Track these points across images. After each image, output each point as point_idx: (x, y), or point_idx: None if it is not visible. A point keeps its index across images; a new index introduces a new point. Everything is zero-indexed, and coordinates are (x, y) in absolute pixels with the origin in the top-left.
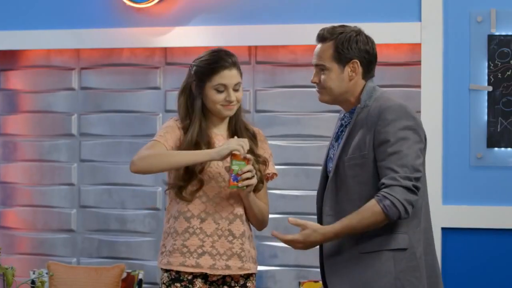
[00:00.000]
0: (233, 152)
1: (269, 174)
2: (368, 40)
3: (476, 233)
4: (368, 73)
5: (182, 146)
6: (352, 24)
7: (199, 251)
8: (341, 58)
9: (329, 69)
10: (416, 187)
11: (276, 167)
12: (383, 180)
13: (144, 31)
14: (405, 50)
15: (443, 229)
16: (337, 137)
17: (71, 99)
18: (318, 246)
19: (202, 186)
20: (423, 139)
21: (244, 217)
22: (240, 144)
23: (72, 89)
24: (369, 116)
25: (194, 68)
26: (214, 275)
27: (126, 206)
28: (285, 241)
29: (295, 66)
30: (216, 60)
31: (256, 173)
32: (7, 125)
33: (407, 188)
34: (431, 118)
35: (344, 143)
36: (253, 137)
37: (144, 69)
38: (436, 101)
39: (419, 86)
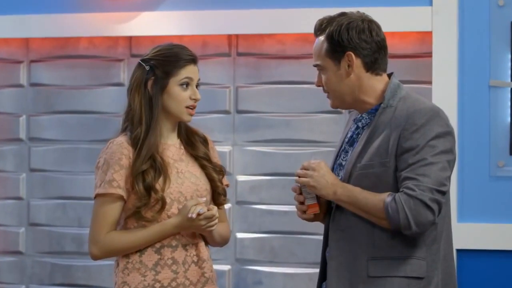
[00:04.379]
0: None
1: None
2: (367, 25)
3: (497, 256)
4: (373, 64)
5: (136, 162)
6: (351, 9)
7: (173, 284)
8: (334, 52)
9: (325, 67)
10: (436, 201)
11: (262, 177)
12: (400, 189)
13: (105, 17)
14: (413, 39)
15: (458, 251)
16: (352, 141)
17: (18, 98)
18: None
19: (165, 206)
20: (454, 151)
21: (203, 238)
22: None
23: (20, 85)
24: (394, 119)
25: (153, 62)
26: None
27: (84, 224)
28: (305, 166)
29: (283, 59)
30: (181, 53)
31: (217, 185)
32: None
33: (422, 202)
34: None
35: (361, 148)
36: (204, 143)
37: (105, 62)
38: (450, 100)
39: (429, 82)
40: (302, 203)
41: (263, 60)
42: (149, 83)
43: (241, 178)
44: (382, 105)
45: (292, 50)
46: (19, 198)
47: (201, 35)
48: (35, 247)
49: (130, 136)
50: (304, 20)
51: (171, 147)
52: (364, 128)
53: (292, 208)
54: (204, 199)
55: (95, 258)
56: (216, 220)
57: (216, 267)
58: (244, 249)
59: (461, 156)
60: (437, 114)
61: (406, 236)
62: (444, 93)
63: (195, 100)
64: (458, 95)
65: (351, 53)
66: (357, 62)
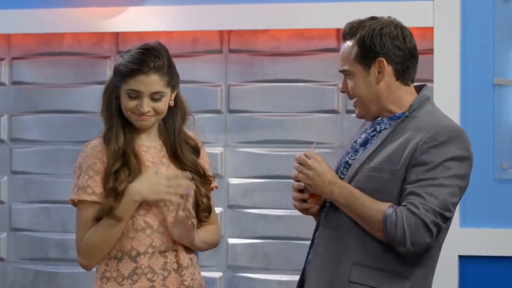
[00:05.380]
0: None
1: (211, 188)
2: (400, 32)
3: (501, 262)
4: (403, 72)
5: (109, 162)
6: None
7: None
8: (365, 57)
9: (353, 73)
10: (437, 225)
11: (255, 180)
12: (403, 202)
13: (90, 12)
14: (414, 35)
15: (460, 257)
16: (365, 142)
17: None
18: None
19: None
20: (468, 178)
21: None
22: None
23: (1, 84)
24: (415, 129)
25: (118, 63)
26: None
27: (68, 229)
28: (301, 162)
29: (277, 56)
30: (136, 61)
31: (202, 200)
32: None
33: (423, 222)
34: None
35: (374, 150)
36: (195, 152)
37: (90, 59)
38: (452, 99)
39: (431, 80)
40: (301, 191)
41: (256, 57)
42: (113, 83)
43: (233, 181)
44: (406, 113)
45: (286, 46)
46: (0, 202)
47: (191, 31)
48: (17, 253)
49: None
50: (299, 15)
51: (151, 149)
52: (382, 131)
53: (287, 212)
54: (190, 190)
55: (84, 267)
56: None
57: (207, 274)
58: (236, 255)
59: None
60: (460, 136)
61: (396, 251)
62: (446, 92)
63: (141, 112)
64: (460, 94)
65: (383, 59)
66: (388, 69)
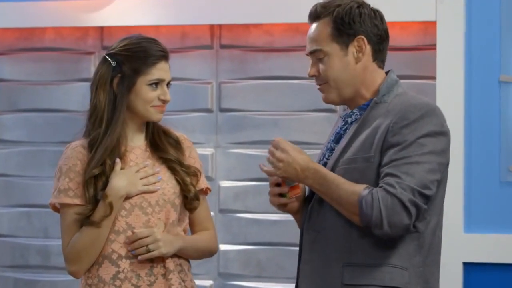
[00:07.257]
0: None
1: (201, 189)
2: (375, 13)
3: (508, 270)
4: (379, 53)
5: (88, 168)
6: None
7: None
8: (343, 35)
9: (328, 53)
10: (416, 205)
11: (248, 183)
12: (379, 184)
13: (74, 5)
14: (416, 30)
15: (465, 264)
16: (338, 138)
17: None
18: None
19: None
20: (447, 154)
21: None
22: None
23: None
24: (386, 113)
25: (120, 57)
26: None
27: (51, 235)
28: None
29: (271, 51)
30: (152, 48)
31: (189, 189)
32: None
33: (400, 202)
34: (449, 119)
35: (347, 142)
36: (176, 144)
37: (73, 55)
38: (456, 97)
39: (433, 77)
40: (278, 184)
41: (249, 53)
42: (115, 80)
43: (224, 183)
44: (375, 99)
45: (281, 41)
46: None
47: (180, 26)
48: None
49: (88, 139)
50: (295, 9)
51: (136, 149)
52: (353, 123)
53: (281, 217)
54: (160, 177)
55: (72, 274)
56: (155, 243)
57: (197, 282)
58: (228, 262)
59: (468, 160)
60: (432, 111)
61: (387, 242)
62: (450, 90)
63: (164, 101)
64: (465, 91)
65: (363, 37)
66: (367, 49)
